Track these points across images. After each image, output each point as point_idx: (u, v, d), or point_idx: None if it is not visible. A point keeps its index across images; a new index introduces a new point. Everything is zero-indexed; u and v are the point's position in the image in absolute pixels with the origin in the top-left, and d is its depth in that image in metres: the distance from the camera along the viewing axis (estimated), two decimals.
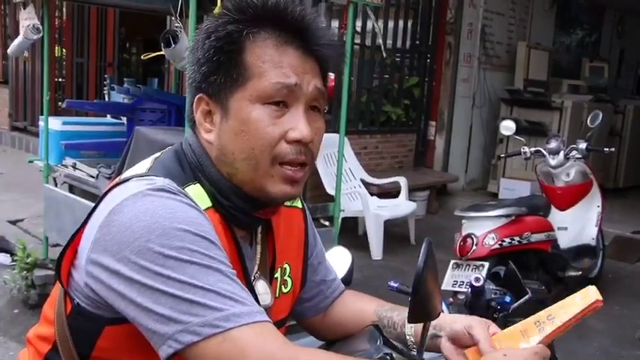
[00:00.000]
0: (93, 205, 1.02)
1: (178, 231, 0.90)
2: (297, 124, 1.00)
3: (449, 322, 1.10)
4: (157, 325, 0.88)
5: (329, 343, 1.25)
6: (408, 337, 1.16)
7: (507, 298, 1.63)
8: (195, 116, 1.05)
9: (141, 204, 0.92)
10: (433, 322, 1.08)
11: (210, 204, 1.03)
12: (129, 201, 0.93)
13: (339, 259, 1.33)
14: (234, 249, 1.04)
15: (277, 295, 1.15)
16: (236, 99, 1.00)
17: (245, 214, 1.05)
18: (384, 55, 6.32)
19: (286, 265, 1.18)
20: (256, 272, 1.11)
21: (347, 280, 1.35)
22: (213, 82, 1.01)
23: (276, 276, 1.15)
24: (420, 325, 1.10)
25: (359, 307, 1.25)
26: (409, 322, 1.00)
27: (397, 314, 1.20)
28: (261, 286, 1.11)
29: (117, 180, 1.01)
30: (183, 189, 0.99)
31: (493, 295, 1.65)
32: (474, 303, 1.67)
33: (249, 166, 1.01)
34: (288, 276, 1.18)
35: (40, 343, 1.07)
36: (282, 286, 1.17)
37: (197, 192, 1.02)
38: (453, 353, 1.07)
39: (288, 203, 1.19)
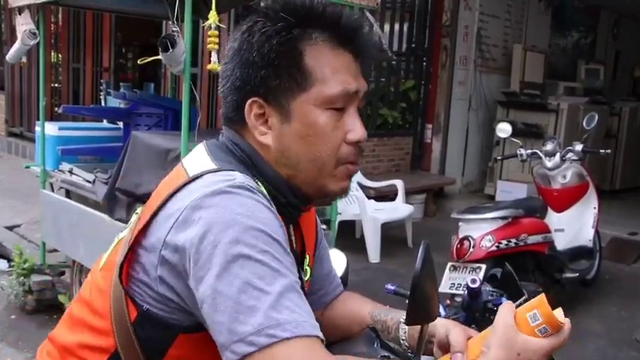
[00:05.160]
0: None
1: (254, 230, 0.90)
2: (355, 126, 1.05)
3: (436, 327, 1.11)
4: (217, 334, 0.88)
5: (327, 345, 1.25)
6: (402, 342, 1.16)
7: (504, 300, 1.63)
8: (248, 120, 1.05)
9: (219, 200, 0.92)
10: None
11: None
12: (208, 197, 0.93)
13: (334, 262, 1.34)
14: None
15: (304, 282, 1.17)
16: (299, 103, 1.01)
17: (296, 209, 1.09)
18: (390, 54, 6.30)
19: (308, 255, 1.21)
20: None
21: (342, 283, 1.35)
22: (273, 87, 1.01)
23: (304, 267, 1.18)
24: (414, 329, 1.10)
25: (354, 309, 1.26)
26: (407, 324, 1.01)
27: (391, 318, 1.20)
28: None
29: (185, 177, 1.00)
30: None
31: (490, 297, 1.65)
32: (471, 305, 1.67)
33: (314, 167, 1.04)
34: (308, 265, 1.21)
35: (92, 354, 1.03)
36: (306, 275, 1.19)
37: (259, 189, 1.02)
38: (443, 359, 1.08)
39: None
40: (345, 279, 1.39)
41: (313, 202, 1.11)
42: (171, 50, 2.59)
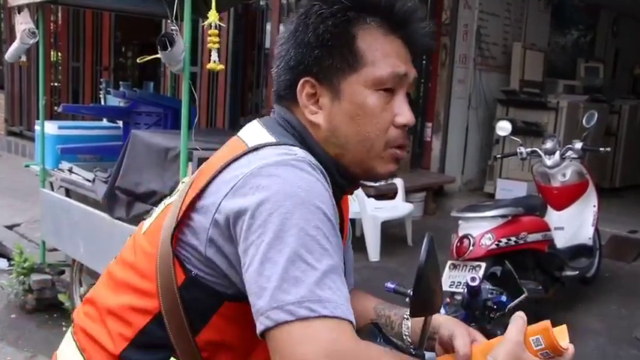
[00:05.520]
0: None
1: (312, 206, 0.90)
2: (403, 110, 1.07)
3: (440, 324, 1.11)
4: (255, 298, 0.87)
5: None
6: (405, 337, 1.17)
7: (503, 298, 1.63)
8: (299, 98, 1.07)
9: (282, 171, 0.93)
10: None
11: None
12: (271, 167, 0.94)
13: None
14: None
15: None
16: (349, 83, 1.04)
17: (342, 190, 1.10)
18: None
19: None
20: None
21: None
22: (326, 66, 1.04)
23: None
24: (417, 325, 1.10)
25: (359, 305, 1.25)
26: (411, 316, 1.02)
27: (394, 313, 1.20)
28: None
29: (244, 146, 1.01)
30: None
31: (489, 295, 1.66)
32: (471, 303, 1.68)
33: (363, 148, 1.05)
34: None
35: (134, 314, 1.04)
36: None
37: None
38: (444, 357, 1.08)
39: None
40: None
41: (358, 183, 1.13)
42: (169, 49, 2.58)
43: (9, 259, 4.50)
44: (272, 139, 1.03)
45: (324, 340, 0.83)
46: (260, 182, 0.92)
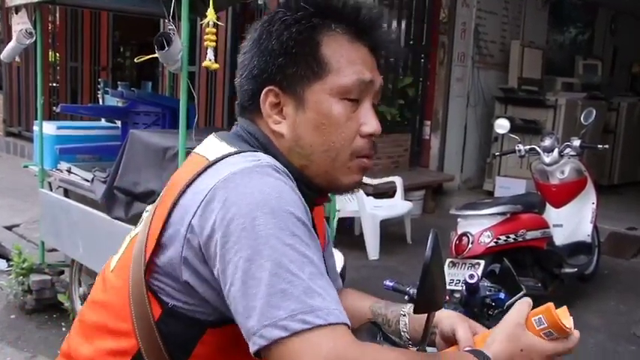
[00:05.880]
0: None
1: (285, 212, 0.88)
2: (369, 119, 1.04)
3: (440, 319, 1.11)
4: (243, 318, 0.85)
5: None
6: (403, 334, 1.17)
7: (502, 295, 1.63)
8: (263, 108, 1.05)
9: (248, 180, 0.90)
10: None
11: None
12: (237, 175, 0.91)
13: None
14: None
15: None
16: (314, 91, 1.01)
17: (311, 201, 1.05)
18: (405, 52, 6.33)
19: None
20: None
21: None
22: (290, 74, 1.02)
23: None
24: (416, 321, 1.10)
25: (355, 305, 1.25)
26: (415, 312, 1.00)
27: (391, 311, 1.20)
28: None
29: (204, 162, 0.98)
30: None
31: (488, 293, 1.66)
32: (469, 300, 1.68)
33: (328, 157, 1.03)
34: None
35: (112, 358, 1.00)
36: None
37: None
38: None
39: None
40: (342, 276, 1.39)
41: (326, 195, 1.11)
42: (167, 48, 2.58)
43: (8, 260, 4.49)
44: (232, 150, 1.00)
45: (324, 350, 0.81)
46: (227, 196, 0.89)
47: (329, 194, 1.13)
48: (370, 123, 1.04)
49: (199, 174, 0.96)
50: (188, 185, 0.96)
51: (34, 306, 3.93)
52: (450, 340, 1.08)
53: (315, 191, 1.07)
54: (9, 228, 5.26)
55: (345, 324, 0.86)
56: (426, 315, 1.03)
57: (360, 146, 1.04)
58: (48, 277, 3.99)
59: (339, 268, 1.39)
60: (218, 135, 1.07)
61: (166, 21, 2.68)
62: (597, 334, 3.89)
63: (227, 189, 0.90)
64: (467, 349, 1.00)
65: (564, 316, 0.94)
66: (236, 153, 0.98)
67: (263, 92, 1.04)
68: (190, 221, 0.92)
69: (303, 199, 0.94)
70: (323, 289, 0.86)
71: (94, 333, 1.04)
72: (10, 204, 6.04)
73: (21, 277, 3.93)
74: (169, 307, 0.96)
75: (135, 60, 3.03)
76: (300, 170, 1.04)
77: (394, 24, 7.07)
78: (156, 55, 2.69)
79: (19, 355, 3.42)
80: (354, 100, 1.03)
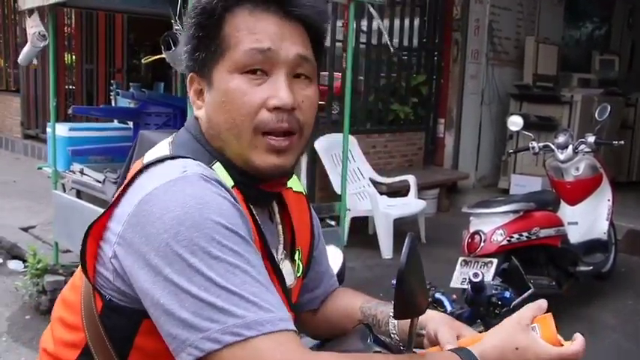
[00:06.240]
0: (102, 210, 1.00)
1: (209, 222, 0.87)
2: (278, 91, 0.98)
3: (427, 320, 1.10)
4: (178, 330, 0.85)
5: (321, 343, 1.24)
6: (392, 335, 1.15)
7: (507, 294, 1.61)
8: (189, 95, 1.06)
9: (172, 193, 0.89)
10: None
11: (232, 182, 1.01)
12: (159, 190, 0.90)
13: (330, 259, 1.32)
14: (256, 227, 1.02)
15: (295, 277, 1.15)
16: (217, 71, 1.00)
17: (250, 188, 1.03)
18: (392, 49, 6.30)
19: (300, 248, 1.18)
20: (282, 251, 1.11)
21: (338, 279, 1.34)
22: (197, 59, 1.02)
23: (295, 258, 1.15)
24: (404, 323, 1.08)
25: (346, 305, 1.24)
26: (395, 318, 0.99)
27: (381, 311, 1.18)
28: (286, 266, 1.11)
29: (140, 166, 0.98)
30: (210, 167, 0.99)
31: (494, 291, 1.64)
32: (475, 299, 1.66)
33: (232, 136, 0.99)
34: (300, 260, 1.18)
35: (66, 350, 1.03)
36: (297, 270, 1.17)
37: (220, 171, 1.01)
38: None
39: (295, 188, 1.19)
40: (340, 276, 1.37)
41: (270, 181, 1.05)
42: (174, 48, 2.59)
43: (24, 261, 4.54)
44: (166, 153, 1.01)
45: (259, 359, 0.83)
46: (151, 210, 0.89)
47: (283, 179, 1.09)
48: (278, 95, 0.97)
49: (132, 180, 0.97)
50: (123, 191, 0.96)
51: (49, 306, 3.96)
52: (436, 343, 1.06)
53: (251, 178, 1.03)
54: (25, 229, 5.30)
55: (287, 330, 0.86)
56: (410, 320, 1.02)
57: (264, 120, 0.98)
58: (62, 278, 4.02)
59: (336, 267, 1.37)
60: (176, 133, 1.09)
61: (172, 21, 2.69)
62: (613, 333, 3.84)
63: (150, 203, 0.90)
64: (449, 347, 0.99)
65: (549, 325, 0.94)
66: (169, 158, 0.98)
67: (188, 80, 1.06)
68: (119, 232, 0.92)
69: (235, 204, 0.93)
70: (258, 297, 0.86)
71: (55, 324, 1.08)
72: (26, 206, 6.10)
73: (35, 277, 3.96)
74: (107, 300, 0.97)
75: (142, 61, 3.05)
76: (221, 153, 1.02)
77: (407, 21, 7.03)
78: (163, 55, 2.70)
79: (34, 355, 3.45)
80: (258, 73, 0.98)
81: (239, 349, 0.83)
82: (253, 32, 0.98)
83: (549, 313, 0.96)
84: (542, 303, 0.98)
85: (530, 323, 0.95)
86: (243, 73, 0.98)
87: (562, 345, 0.94)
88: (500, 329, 0.95)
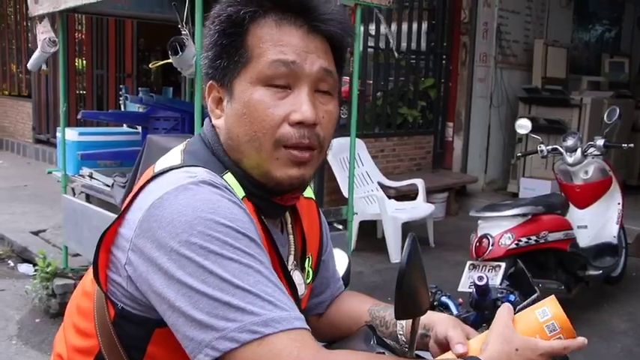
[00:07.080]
0: (110, 214, 1.01)
1: (221, 226, 0.88)
2: (300, 105, 0.97)
3: (435, 322, 1.10)
4: (194, 331, 0.85)
5: (327, 345, 1.24)
6: (399, 336, 1.15)
7: (512, 297, 1.60)
8: (207, 103, 1.06)
9: (182, 197, 0.90)
10: (423, 321, 1.07)
11: (244, 193, 1.01)
12: (170, 195, 0.91)
13: (336, 262, 1.33)
14: (267, 238, 1.02)
15: (306, 285, 1.15)
16: (239, 82, 0.99)
17: (263, 200, 1.03)
18: (397, 56, 6.31)
19: (310, 256, 1.18)
20: (293, 262, 1.12)
21: (344, 282, 1.34)
22: (218, 67, 1.01)
23: (305, 265, 1.16)
24: (410, 325, 1.09)
25: (353, 307, 1.24)
26: (396, 318, 0.98)
27: (389, 314, 1.18)
28: (297, 276, 1.11)
29: (151, 173, 0.99)
30: (222, 177, 0.98)
31: (499, 295, 1.63)
32: (480, 302, 1.65)
33: (252, 148, 0.99)
34: (310, 266, 1.18)
35: (79, 356, 1.03)
36: (307, 277, 1.17)
37: (232, 181, 1.00)
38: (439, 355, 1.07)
39: (305, 194, 1.19)
40: (346, 279, 1.37)
41: (285, 193, 1.04)
42: (180, 54, 2.61)
43: (34, 265, 4.57)
44: (178, 161, 1.00)
45: (284, 357, 0.83)
46: (162, 215, 0.89)
47: (298, 193, 1.09)
48: (301, 110, 0.97)
49: (143, 187, 0.97)
50: (133, 198, 0.97)
51: (59, 310, 3.98)
52: (444, 345, 1.06)
53: (264, 189, 1.03)
54: (35, 233, 5.35)
55: (302, 328, 0.86)
56: (411, 321, 1.02)
57: (285, 134, 0.97)
58: (71, 282, 4.05)
59: (342, 271, 1.37)
60: (189, 140, 1.09)
61: (179, 26, 2.70)
62: (624, 338, 3.80)
63: (162, 208, 0.90)
64: (460, 351, 0.99)
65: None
66: (179, 167, 0.98)
67: (206, 88, 1.06)
68: (132, 239, 0.93)
69: (244, 208, 0.94)
70: (273, 296, 0.86)
71: (68, 330, 1.08)
72: (37, 210, 6.15)
73: (45, 281, 3.99)
74: (120, 308, 0.97)
75: (150, 66, 3.07)
76: (237, 164, 1.02)
77: (414, 25, 7.03)
78: (170, 60, 2.71)
79: (44, 358, 3.47)
80: (283, 87, 0.98)
81: (256, 346, 0.83)
82: (278, 44, 0.97)
83: (552, 296, 0.97)
84: (507, 304, 1.00)
85: (510, 324, 0.95)
86: (267, 85, 0.98)
87: (570, 328, 0.95)
88: (495, 335, 0.95)
